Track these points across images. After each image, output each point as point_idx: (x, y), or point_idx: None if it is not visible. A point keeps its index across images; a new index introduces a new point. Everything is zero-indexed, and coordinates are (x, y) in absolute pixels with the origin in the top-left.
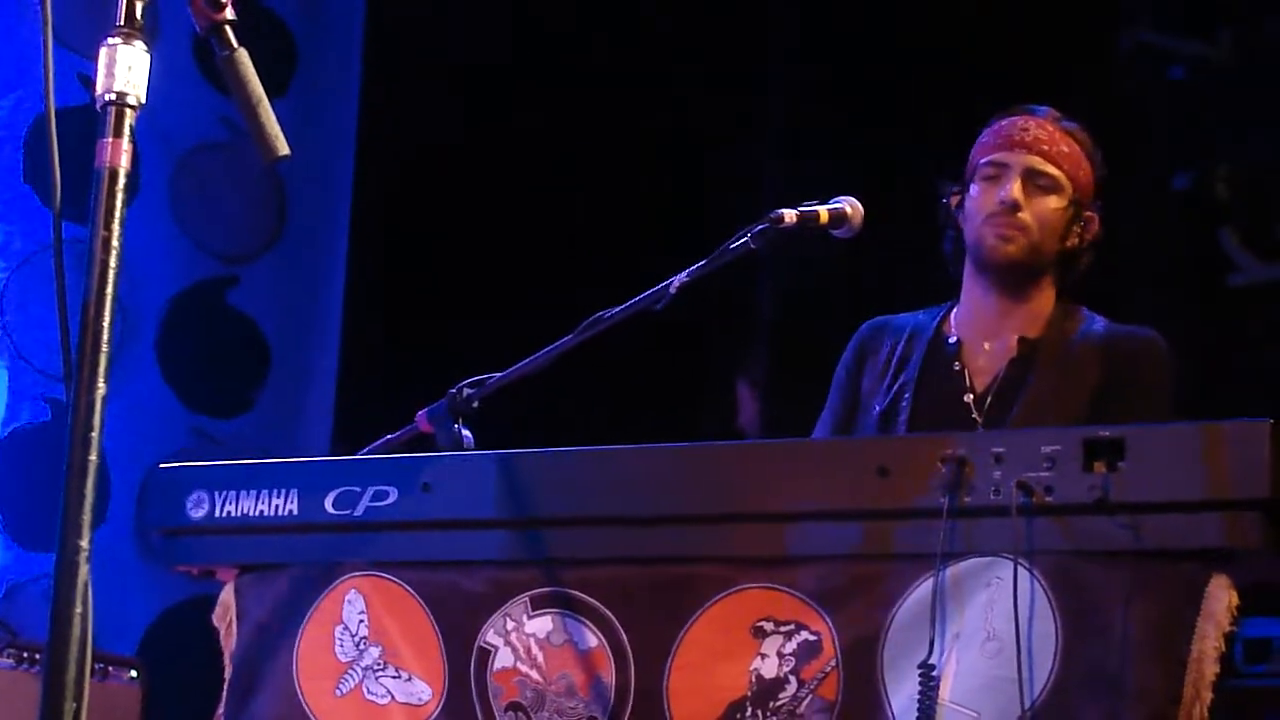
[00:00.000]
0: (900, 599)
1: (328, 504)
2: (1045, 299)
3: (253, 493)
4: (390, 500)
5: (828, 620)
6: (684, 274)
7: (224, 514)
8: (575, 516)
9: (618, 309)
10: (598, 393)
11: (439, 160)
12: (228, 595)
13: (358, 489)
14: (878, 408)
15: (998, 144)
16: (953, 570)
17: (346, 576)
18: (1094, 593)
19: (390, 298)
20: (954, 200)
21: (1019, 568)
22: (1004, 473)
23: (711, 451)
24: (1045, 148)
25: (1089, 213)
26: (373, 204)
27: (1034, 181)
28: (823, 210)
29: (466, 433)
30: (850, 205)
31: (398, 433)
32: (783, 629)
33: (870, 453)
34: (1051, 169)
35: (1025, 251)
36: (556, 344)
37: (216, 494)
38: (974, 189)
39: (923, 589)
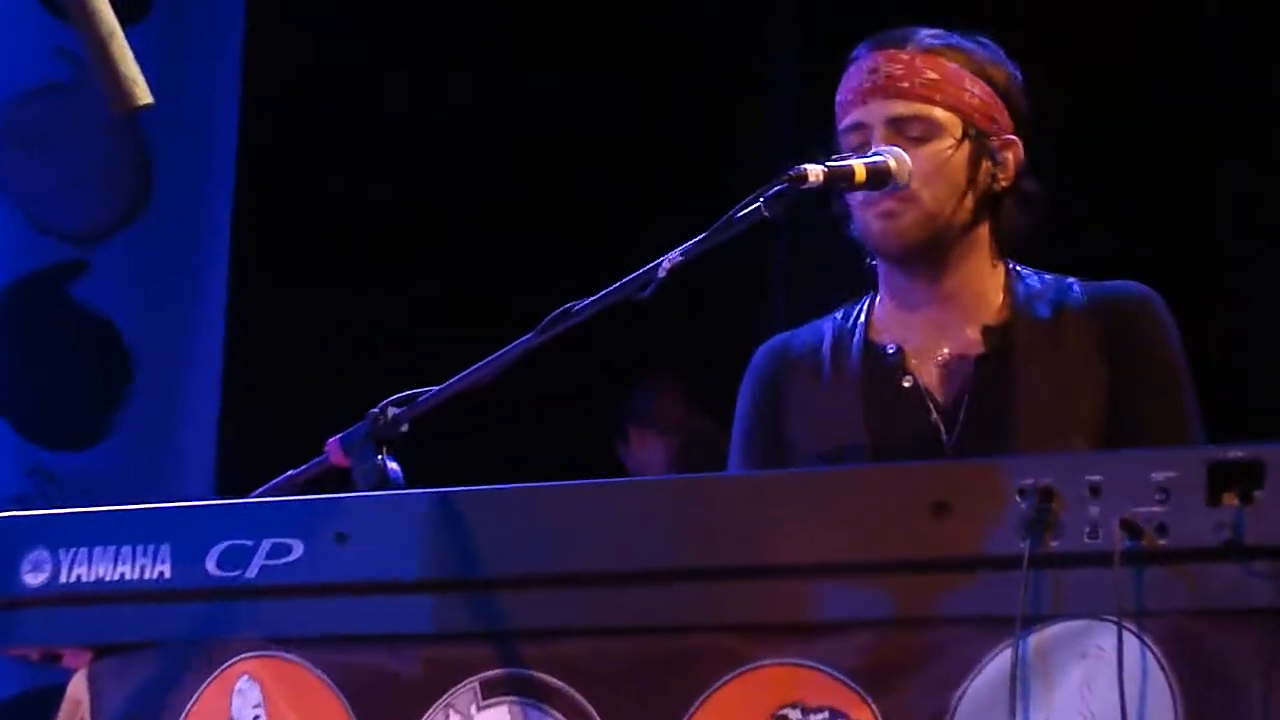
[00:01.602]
0: (968, 677)
1: (210, 563)
2: (986, 269)
3: (110, 550)
4: (294, 556)
5: (873, 706)
6: (677, 252)
7: (72, 578)
8: (537, 574)
9: (591, 299)
10: (566, 410)
11: (352, 103)
12: (78, 686)
13: (250, 543)
14: (817, 452)
15: (850, 100)
16: (1037, 638)
17: (237, 658)
18: (1224, 664)
19: (290, 288)
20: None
21: (1125, 633)
22: (1103, 508)
23: (715, 485)
24: (904, 85)
25: (1001, 139)
26: (265, 163)
27: (902, 133)
28: (859, 164)
29: (393, 465)
30: (895, 158)
31: (302, 467)
32: (815, 718)
33: (923, 482)
34: (920, 107)
35: (921, 226)
36: (511, 346)
37: (62, 552)
38: None
39: (997, 663)
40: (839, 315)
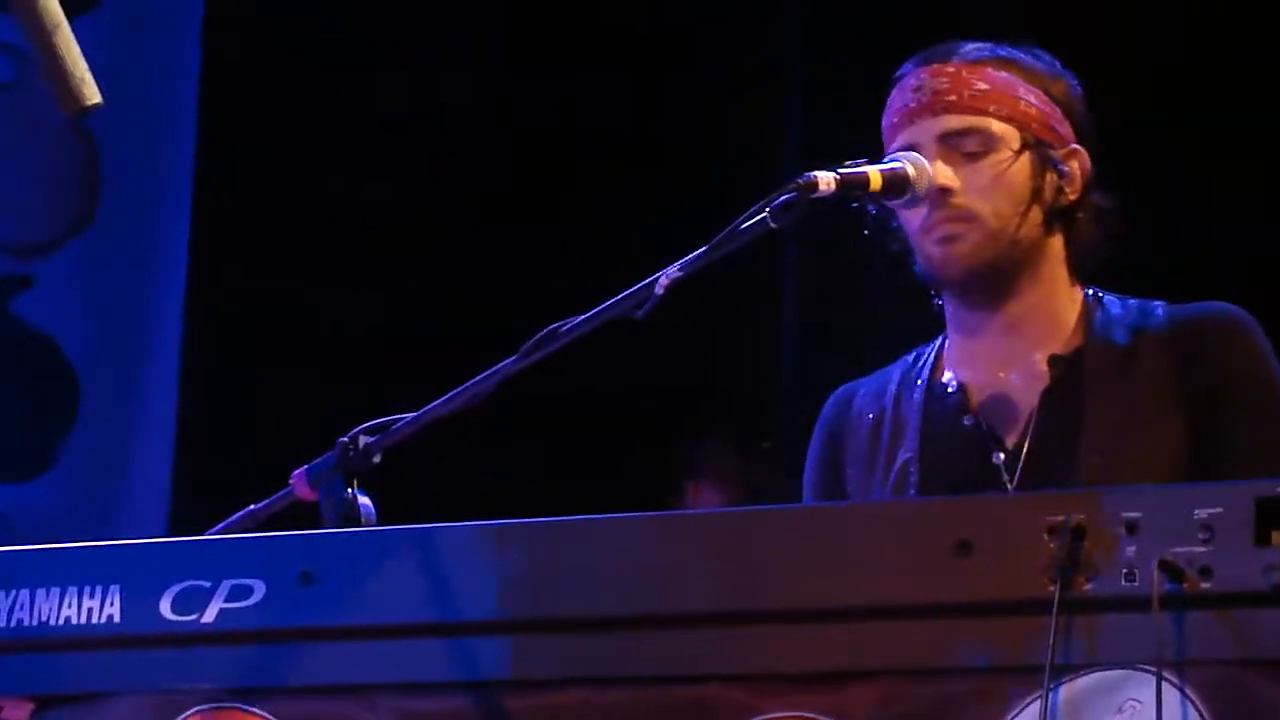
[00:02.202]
0: None
1: (165, 606)
2: (1061, 293)
3: (55, 591)
4: (255, 599)
5: None
6: (675, 267)
7: (13, 623)
8: (522, 618)
9: (581, 318)
10: (553, 439)
11: (324, 102)
12: None
13: (208, 584)
14: None
15: (896, 122)
16: (1068, 689)
17: (192, 710)
18: (1273, 719)
19: (253, 304)
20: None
21: (1164, 684)
22: (1140, 547)
23: (719, 522)
24: (953, 97)
25: (1064, 149)
26: (225, 169)
27: (957, 149)
28: (874, 171)
29: (364, 500)
30: (913, 164)
31: (265, 501)
32: None
33: (946, 519)
34: (972, 120)
35: (984, 247)
36: (493, 370)
37: (1, 595)
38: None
39: (1025, 717)
40: (910, 358)
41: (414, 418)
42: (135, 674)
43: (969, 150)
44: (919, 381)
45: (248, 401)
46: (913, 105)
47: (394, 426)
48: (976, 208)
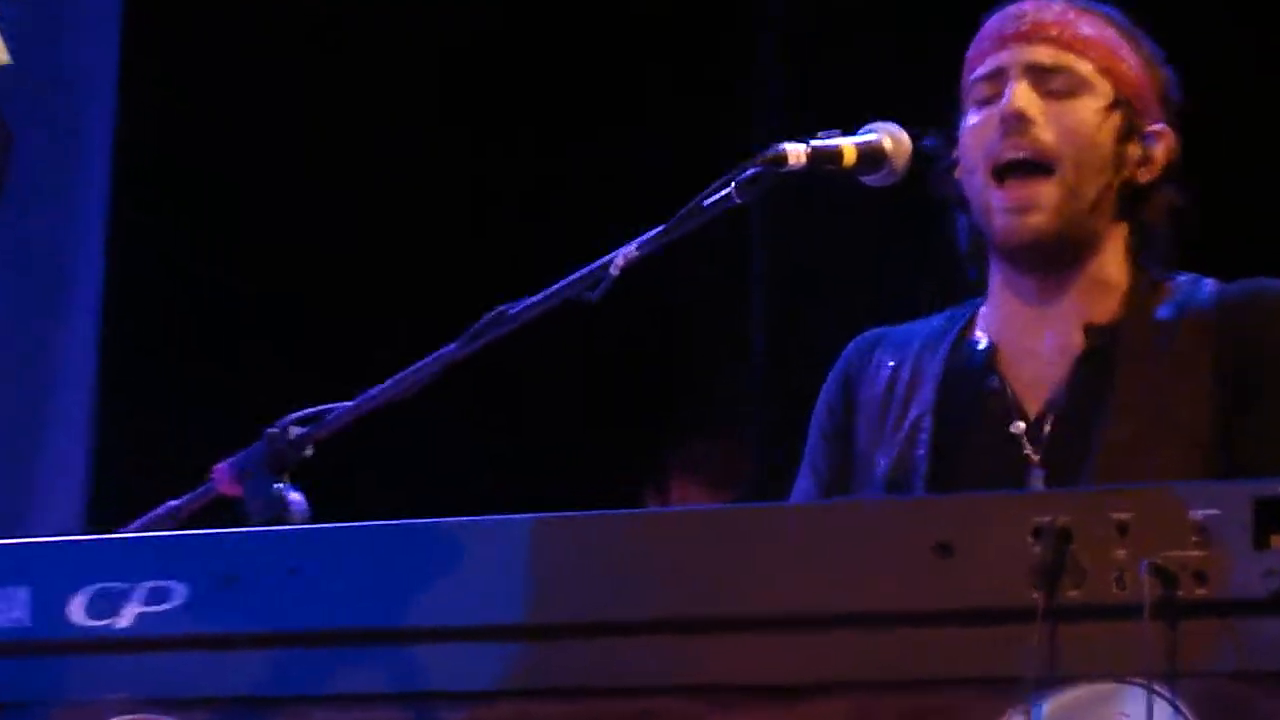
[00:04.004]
0: None
1: (76, 610)
2: (1114, 265)
3: None
4: (175, 603)
5: None
6: (632, 245)
7: None
8: (459, 625)
9: (531, 300)
10: (497, 430)
11: (257, 62)
12: None
13: (124, 585)
14: (883, 462)
15: (985, 48)
16: (1053, 703)
17: None
18: None
19: (179, 284)
20: (954, 167)
21: (1156, 699)
22: (1131, 551)
23: (674, 521)
24: (1054, 31)
25: (1154, 125)
26: (150, 134)
27: (1046, 83)
28: (848, 144)
29: (295, 495)
30: (890, 136)
31: (186, 497)
32: None
33: (923, 519)
34: (1069, 58)
35: (1058, 213)
36: (434, 356)
37: None
38: (964, 127)
39: None
40: (943, 316)
41: (350, 407)
42: (45, 683)
43: (1056, 88)
44: (948, 337)
45: (170, 388)
46: (1009, 31)
47: (328, 416)
48: (1057, 148)
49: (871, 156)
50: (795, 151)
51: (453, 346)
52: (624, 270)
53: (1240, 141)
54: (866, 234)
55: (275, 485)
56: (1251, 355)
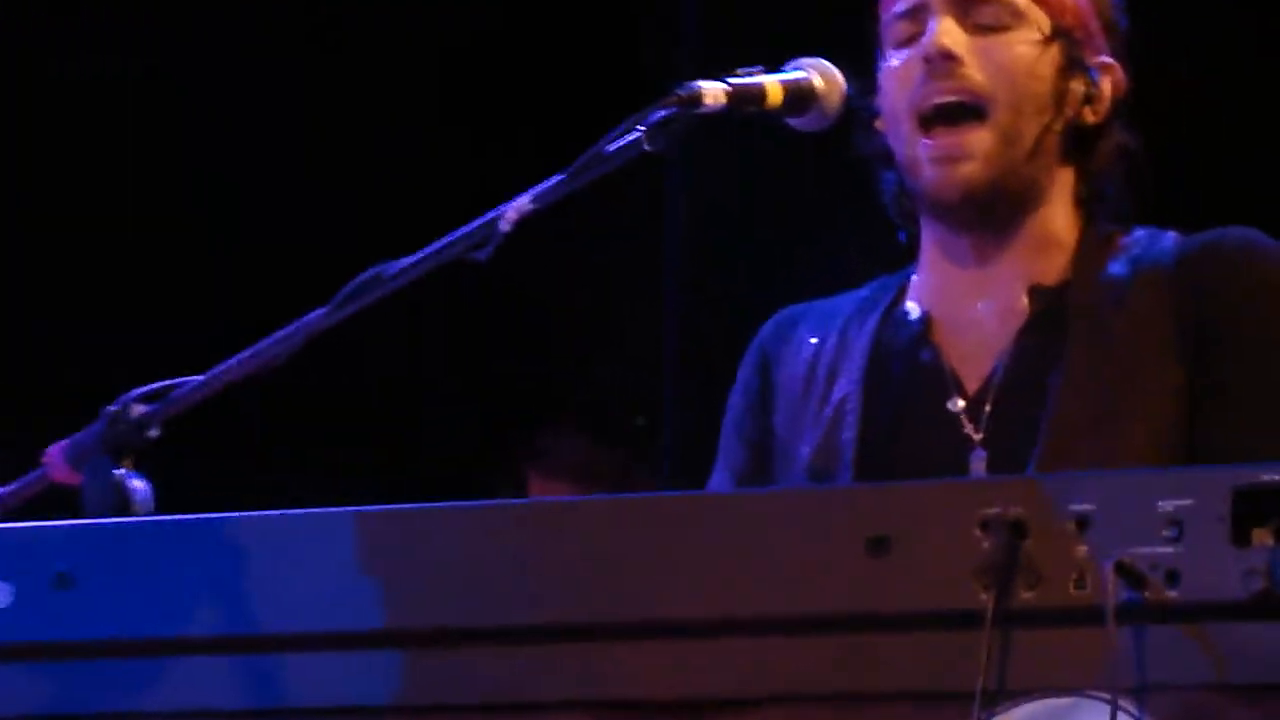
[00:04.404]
0: None
1: None
2: (1060, 218)
3: None
4: (1, 605)
5: None
6: (525, 197)
7: None
8: (320, 631)
9: (410, 260)
10: (371, 409)
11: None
12: None
13: None
14: (805, 449)
15: None
16: (1006, 719)
17: None
18: None
19: (17, 239)
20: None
21: (1121, 713)
22: (1093, 547)
23: (570, 513)
24: None
25: (1097, 60)
26: None
27: (972, 16)
28: (773, 82)
29: (138, 483)
30: (820, 73)
31: (12, 485)
32: None
33: (853, 511)
34: None
35: (992, 160)
36: (299, 323)
37: None
38: (883, 71)
39: None
40: (871, 286)
41: (200, 382)
42: None
43: (985, 22)
44: (876, 308)
45: None
46: None
47: (175, 392)
48: (989, 89)
49: (799, 96)
50: (713, 90)
51: (320, 312)
52: (516, 225)
53: (1240, 124)
54: (794, 186)
55: (115, 471)
56: (1213, 315)
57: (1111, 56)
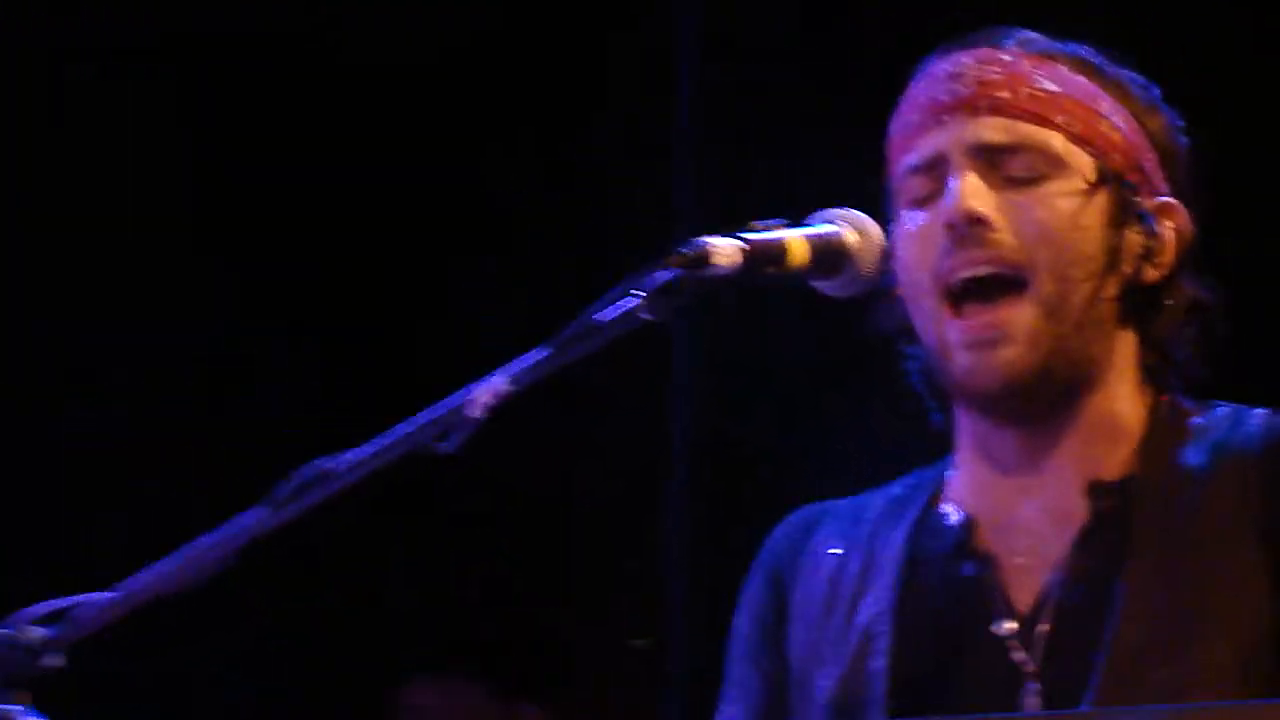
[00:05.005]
0: None
1: None
2: (1123, 398)
3: None
4: None
5: None
6: (500, 377)
7: None
8: None
9: (361, 452)
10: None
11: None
12: None
13: None
14: (825, 682)
15: (917, 122)
16: None
17: None
18: None
19: None
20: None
21: None
22: None
23: None
24: (1005, 94)
25: (1154, 202)
26: None
27: (1001, 167)
28: (796, 239)
29: None
30: (856, 228)
31: None
32: None
33: None
34: (1029, 131)
35: (1036, 343)
36: (230, 528)
37: None
38: (899, 234)
39: None
40: (903, 482)
41: (110, 599)
42: None
43: (1017, 174)
44: (909, 512)
45: None
46: (944, 99)
47: (77, 610)
48: (1027, 255)
49: (829, 255)
50: (725, 249)
51: (256, 514)
52: (492, 410)
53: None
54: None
55: (4, 709)
56: None
57: (1174, 193)
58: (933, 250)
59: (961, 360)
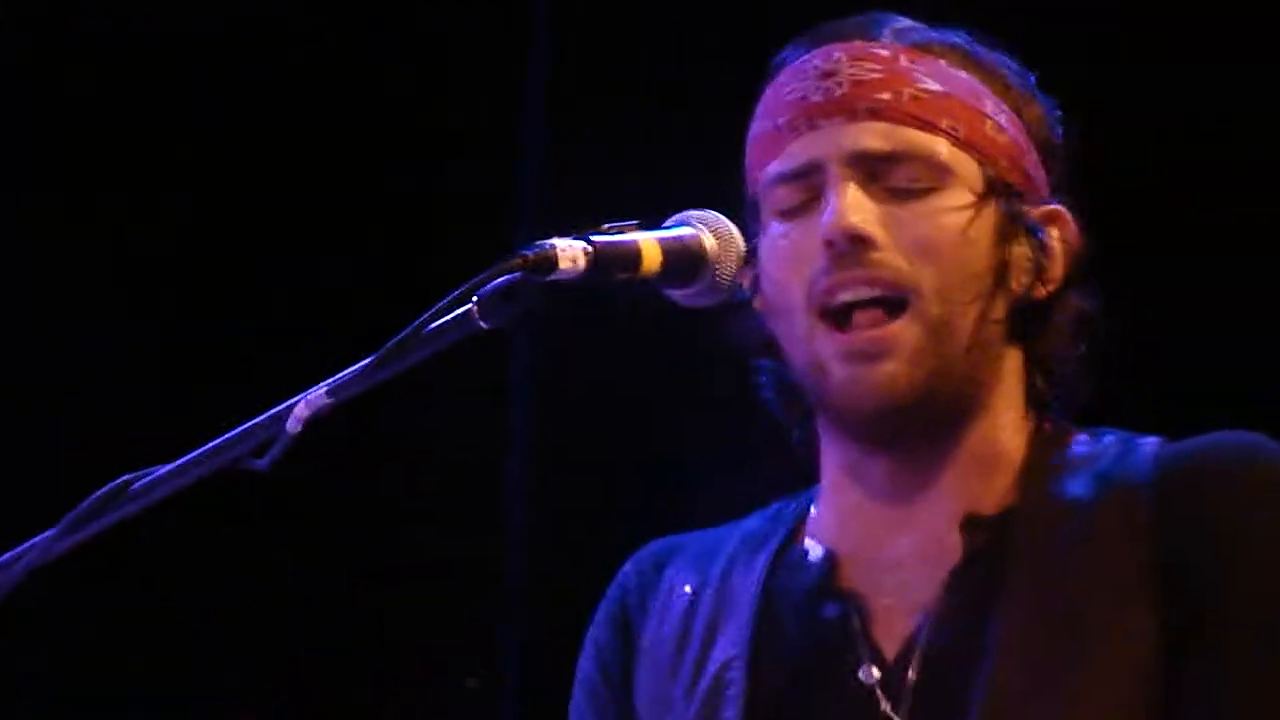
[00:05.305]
0: None
1: None
2: (1005, 426)
3: None
4: None
5: None
6: (321, 389)
7: None
8: None
9: (167, 468)
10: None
11: None
12: None
13: None
14: None
15: (784, 125)
16: None
17: None
18: None
19: None
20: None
21: None
22: None
23: None
24: (885, 96)
25: (1041, 210)
26: None
27: (883, 178)
28: (649, 241)
29: None
30: (714, 231)
31: None
32: None
33: None
34: (913, 137)
35: (919, 361)
36: (19, 550)
37: None
38: (765, 245)
39: None
40: (761, 515)
41: None
42: None
43: (900, 185)
44: (767, 546)
45: None
46: (816, 100)
47: None
48: (912, 275)
49: (684, 260)
50: (570, 251)
51: (47, 535)
52: (309, 425)
53: None
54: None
55: None
56: (1206, 547)
57: (1054, 191)
58: (807, 267)
59: (838, 373)
